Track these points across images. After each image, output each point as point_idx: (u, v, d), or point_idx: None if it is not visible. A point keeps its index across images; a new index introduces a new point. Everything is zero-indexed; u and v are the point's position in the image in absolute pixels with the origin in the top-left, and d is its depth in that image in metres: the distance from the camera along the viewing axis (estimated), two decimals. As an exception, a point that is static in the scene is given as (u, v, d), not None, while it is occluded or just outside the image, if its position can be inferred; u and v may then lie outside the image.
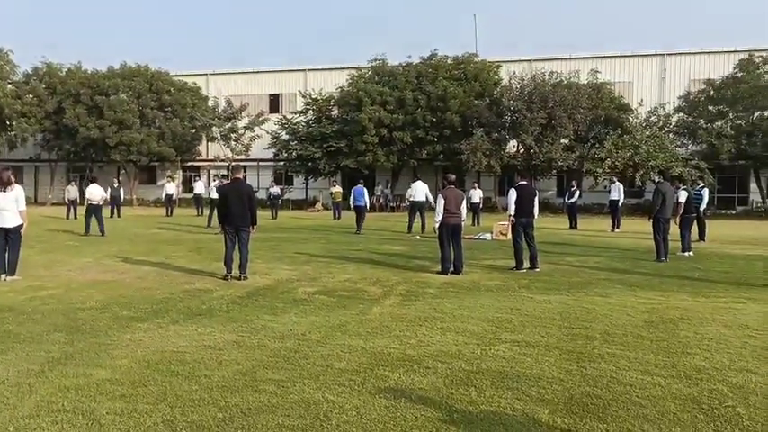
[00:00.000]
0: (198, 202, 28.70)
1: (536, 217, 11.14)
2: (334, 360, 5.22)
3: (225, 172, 36.88)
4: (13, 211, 9.39)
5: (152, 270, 10.54)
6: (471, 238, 16.52)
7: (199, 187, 29.37)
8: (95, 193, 18.31)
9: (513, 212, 10.83)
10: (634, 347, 5.67)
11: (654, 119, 32.68)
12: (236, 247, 9.71)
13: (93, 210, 17.88)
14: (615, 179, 22.96)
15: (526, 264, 10.82)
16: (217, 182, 23.64)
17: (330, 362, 5.17)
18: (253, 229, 9.84)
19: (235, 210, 9.56)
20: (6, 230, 9.38)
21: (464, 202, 10.65)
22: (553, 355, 5.40)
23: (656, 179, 20.46)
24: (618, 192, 21.37)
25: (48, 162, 43.55)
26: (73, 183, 27.73)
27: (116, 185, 27.26)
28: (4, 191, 9.34)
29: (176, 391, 4.39)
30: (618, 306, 7.66)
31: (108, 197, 26.82)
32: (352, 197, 20.65)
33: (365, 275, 10.12)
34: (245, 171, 11.17)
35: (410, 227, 18.91)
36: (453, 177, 10.99)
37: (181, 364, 5.04)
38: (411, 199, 19.47)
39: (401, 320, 6.78)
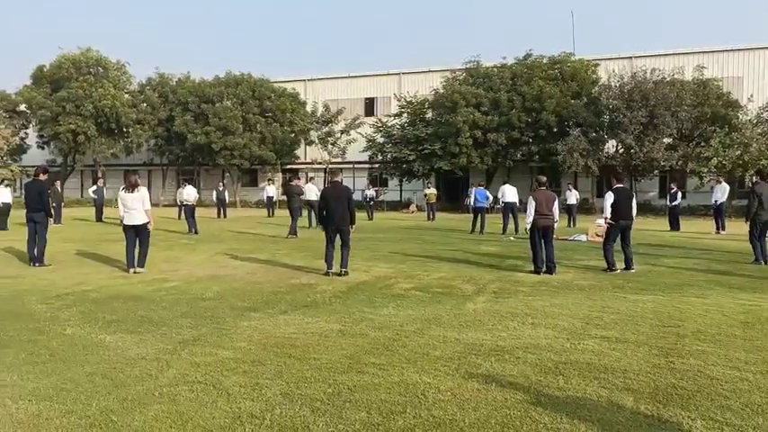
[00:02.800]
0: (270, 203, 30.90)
1: (634, 219, 11.13)
2: (429, 349, 5.64)
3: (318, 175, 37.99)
4: (140, 210, 10.52)
5: (260, 266, 11.36)
6: (567, 240, 16.50)
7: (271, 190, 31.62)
8: (191, 194, 19.91)
9: (609, 215, 10.86)
10: (725, 345, 5.74)
11: (766, 115, 31.00)
12: (337, 246, 10.31)
13: (190, 210, 19.38)
14: (721, 179, 22.00)
15: (620, 265, 10.81)
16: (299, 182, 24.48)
17: (426, 350, 5.59)
18: (352, 228, 10.44)
19: (336, 211, 10.18)
20: (135, 227, 10.51)
21: (556, 203, 10.78)
22: (642, 351, 5.58)
23: (754, 179, 19.54)
24: (722, 193, 20.52)
25: (159, 166, 46.57)
26: (184, 185, 29.69)
27: (221, 188, 28.85)
28: (132, 192, 10.46)
29: (290, 370, 4.95)
30: (714, 306, 7.63)
31: (215, 199, 28.64)
32: (473, 198, 20.62)
33: (459, 274, 10.48)
34: (341, 173, 11.82)
35: (505, 228, 19.06)
36: (544, 179, 11.17)
37: (292, 348, 5.61)
38: (502, 201, 19.64)
39: (493, 315, 7.10)
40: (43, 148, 44.10)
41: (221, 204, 28.00)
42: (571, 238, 16.87)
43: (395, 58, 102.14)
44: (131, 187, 10.59)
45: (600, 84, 33.68)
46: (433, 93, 37.25)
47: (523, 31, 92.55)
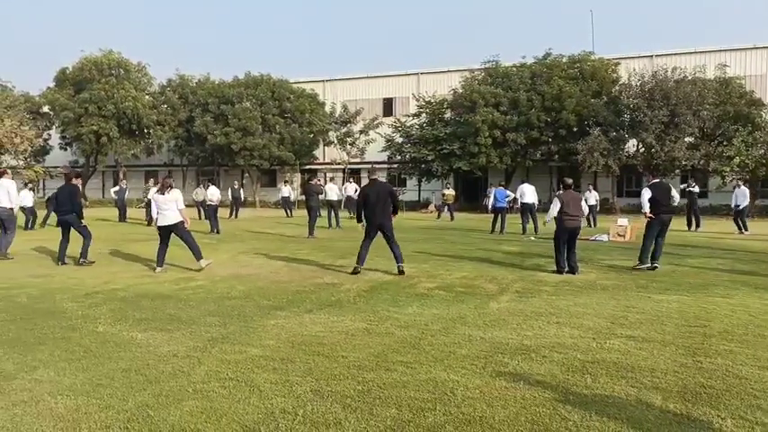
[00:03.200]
0: (286, 203, 30.74)
1: (673, 213, 11.29)
2: (455, 347, 5.68)
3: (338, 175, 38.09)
4: (172, 210, 10.73)
5: (284, 266, 11.46)
6: (588, 240, 16.43)
7: (286, 191, 31.52)
8: (215, 194, 20.19)
9: (648, 210, 10.95)
10: (753, 345, 5.72)
11: (790, 114, 30.56)
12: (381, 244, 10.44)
13: (213, 210, 19.62)
14: (740, 183, 21.53)
15: (648, 263, 10.82)
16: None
17: (452, 349, 5.64)
18: (394, 216, 10.58)
19: (376, 208, 10.28)
20: (168, 227, 10.77)
21: (583, 203, 10.82)
22: (669, 350, 5.58)
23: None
24: (743, 197, 20.23)
25: (180, 167, 46.99)
26: (207, 185, 29.88)
27: (236, 187, 28.86)
28: (163, 194, 10.62)
29: (320, 367, 5.03)
30: (740, 307, 7.59)
31: (230, 197, 28.73)
32: (493, 198, 20.40)
33: (481, 273, 10.50)
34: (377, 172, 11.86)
35: (524, 228, 19.02)
36: (570, 181, 11.22)
37: (320, 346, 5.69)
38: (521, 201, 19.56)
39: (518, 315, 7.13)
40: (66, 149, 44.74)
41: (236, 203, 27.84)
42: (592, 238, 16.80)
43: (413, 58, 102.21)
44: (164, 189, 10.75)
45: (620, 83, 33.44)
46: (451, 93, 37.19)
47: (543, 31, 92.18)
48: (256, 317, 6.97)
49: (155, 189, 13.07)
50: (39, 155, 43.50)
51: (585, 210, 10.87)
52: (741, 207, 20.10)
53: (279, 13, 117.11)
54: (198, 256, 10.85)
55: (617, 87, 33.29)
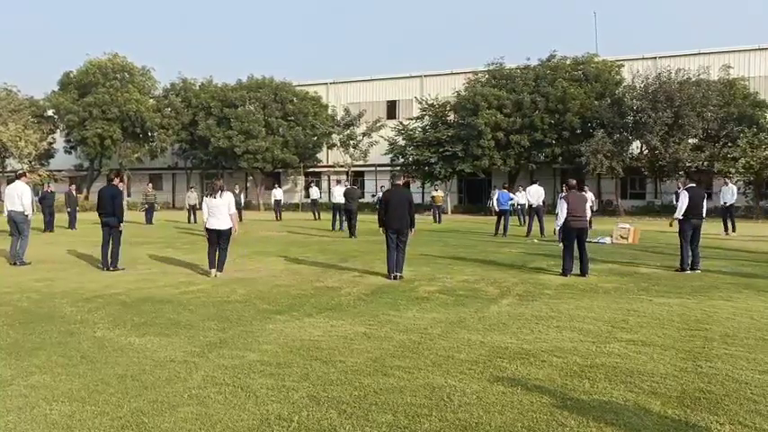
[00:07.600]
0: (314, 205, 30.63)
1: (704, 218, 11.42)
2: (454, 352, 5.65)
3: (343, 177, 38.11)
4: (224, 214, 10.43)
5: (285, 269, 11.45)
6: (590, 242, 16.34)
7: (315, 192, 31.41)
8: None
9: (681, 215, 11.06)
10: (754, 349, 5.67)
11: (794, 115, 30.45)
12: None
13: None
14: (728, 181, 21.38)
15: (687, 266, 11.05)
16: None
17: (451, 353, 5.60)
18: (411, 231, 10.45)
19: (397, 214, 10.18)
20: (216, 231, 10.47)
21: (587, 204, 10.77)
22: (669, 354, 5.54)
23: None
24: (731, 194, 20.13)
25: (183, 170, 47.06)
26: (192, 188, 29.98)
27: (236, 191, 28.82)
28: (215, 197, 10.43)
29: (317, 373, 5.00)
30: (742, 310, 7.54)
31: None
32: (496, 201, 20.15)
33: (482, 276, 10.46)
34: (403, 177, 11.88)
35: (529, 230, 18.96)
36: (575, 182, 11.25)
37: (318, 351, 5.66)
38: (529, 202, 19.51)
39: (518, 319, 7.09)
40: (70, 153, 44.90)
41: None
42: (595, 240, 16.73)
43: (417, 61, 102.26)
44: (215, 192, 10.46)
45: (624, 84, 33.37)
46: (455, 95, 37.13)
47: (547, 33, 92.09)
48: (255, 321, 6.96)
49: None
50: (43, 158, 43.63)
51: (588, 213, 10.83)
52: (729, 204, 19.96)
53: (282, 16, 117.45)
54: (220, 268, 10.53)
55: (621, 89, 33.23)
